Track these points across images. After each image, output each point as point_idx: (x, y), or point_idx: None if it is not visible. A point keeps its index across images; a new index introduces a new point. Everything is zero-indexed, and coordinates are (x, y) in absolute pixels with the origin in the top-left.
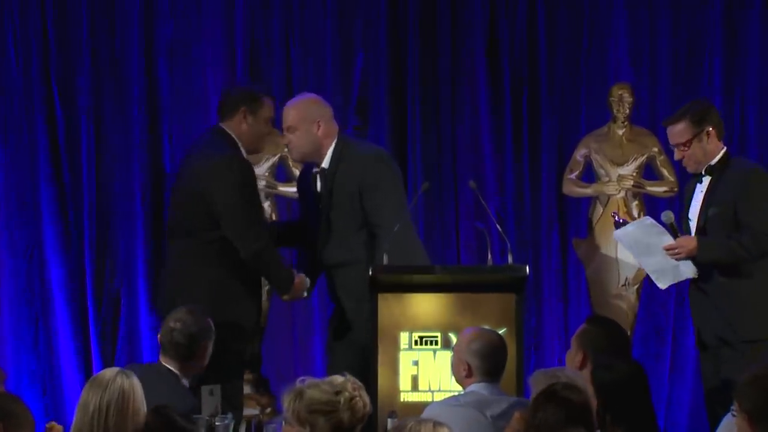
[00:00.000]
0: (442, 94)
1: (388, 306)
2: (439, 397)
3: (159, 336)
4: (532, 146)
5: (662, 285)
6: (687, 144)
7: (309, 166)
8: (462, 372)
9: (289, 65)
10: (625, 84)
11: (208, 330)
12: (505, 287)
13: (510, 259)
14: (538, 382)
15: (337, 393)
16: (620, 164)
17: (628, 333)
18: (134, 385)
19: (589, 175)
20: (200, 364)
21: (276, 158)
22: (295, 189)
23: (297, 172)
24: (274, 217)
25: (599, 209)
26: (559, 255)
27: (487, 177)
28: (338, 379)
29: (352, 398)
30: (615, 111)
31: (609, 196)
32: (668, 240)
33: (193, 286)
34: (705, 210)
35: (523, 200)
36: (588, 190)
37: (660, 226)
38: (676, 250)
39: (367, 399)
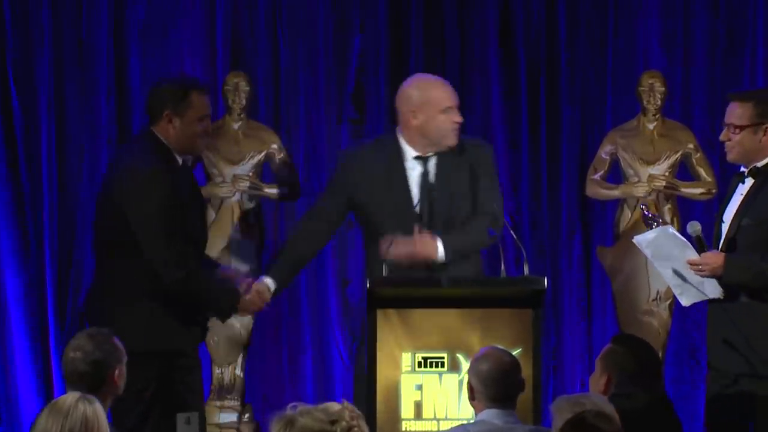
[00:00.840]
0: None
1: (389, 323)
2: (445, 426)
3: (62, 369)
4: (550, 142)
5: (685, 302)
6: (740, 129)
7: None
8: (470, 396)
9: (276, 50)
10: (656, 72)
11: (114, 352)
12: (520, 302)
13: (526, 270)
14: (561, 409)
15: (333, 422)
16: (651, 162)
17: (660, 354)
18: (98, 412)
19: (615, 174)
20: (114, 391)
21: (261, 156)
22: (283, 190)
23: (286, 172)
24: (259, 225)
25: (627, 213)
26: (581, 265)
27: (500, 176)
28: (334, 406)
29: (350, 428)
30: (645, 102)
31: (638, 199)
32: (692, 254)
33: (118, 314)
34: (740, 217)
35: (541, 203)
36: (615, 192)
37: (682, 237)
38: (700, 267)
39: (366, 429)
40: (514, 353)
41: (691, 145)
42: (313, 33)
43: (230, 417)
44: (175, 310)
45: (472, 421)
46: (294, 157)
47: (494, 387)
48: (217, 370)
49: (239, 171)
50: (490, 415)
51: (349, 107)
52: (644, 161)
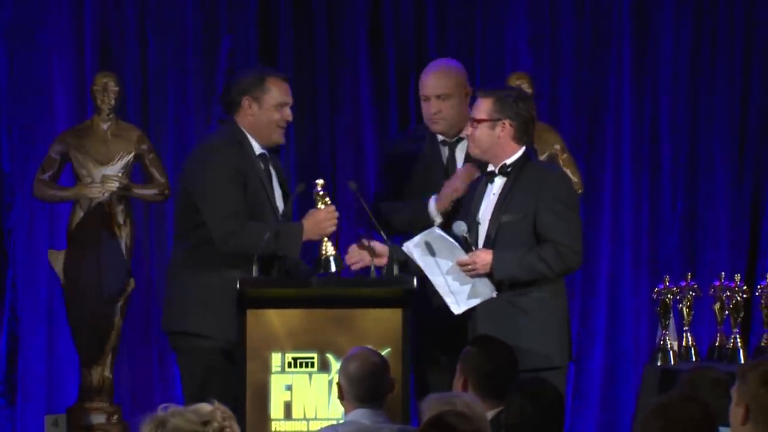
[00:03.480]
0: (319, 82)
1: (258, 323)
2: (315, 426)
3: None
4: None
5: (457, 310)
6: (478, 122)
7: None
8: (339, 396)
9: (145, 50)
10: (523, 74)
11: None
12: (390, 302)
13: (396, 270)
14: (430, 408)
15: (205, 423)
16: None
17: None
18: None
19: None
20: None
21: (131, 156)
22: (154, 191)
23: (155, 172)
24: (128, 226)
25: None
26: None
27: (369, 176)
28: (206, 407)
29: (221, 429)
30: None
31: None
32: (461, 255)
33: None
34: (498, 215)
35: None
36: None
37: (450, 238)
38: (470, 266)
39: (237, 430)
40: (383, 353)
41: (557, 146)
42: (182, 33)
43: (99, 418)
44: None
45: (341, 421)
46: (163, 158)
47: (363, 387)
48: (85, 371)
49: (108, 171)
50: (359, 414)
51: (218, 108)
52: None
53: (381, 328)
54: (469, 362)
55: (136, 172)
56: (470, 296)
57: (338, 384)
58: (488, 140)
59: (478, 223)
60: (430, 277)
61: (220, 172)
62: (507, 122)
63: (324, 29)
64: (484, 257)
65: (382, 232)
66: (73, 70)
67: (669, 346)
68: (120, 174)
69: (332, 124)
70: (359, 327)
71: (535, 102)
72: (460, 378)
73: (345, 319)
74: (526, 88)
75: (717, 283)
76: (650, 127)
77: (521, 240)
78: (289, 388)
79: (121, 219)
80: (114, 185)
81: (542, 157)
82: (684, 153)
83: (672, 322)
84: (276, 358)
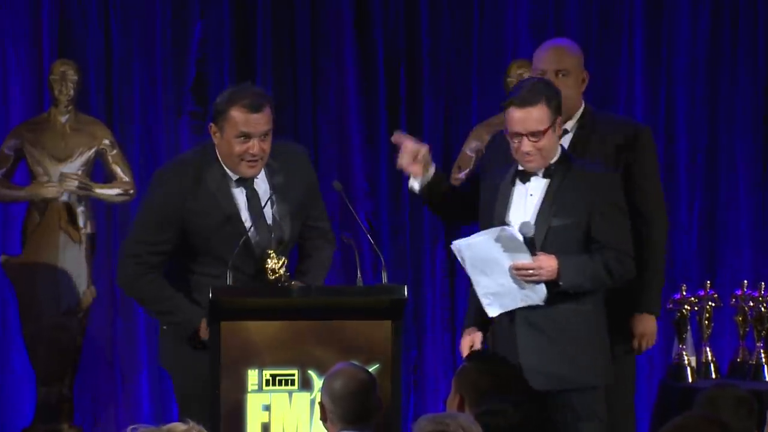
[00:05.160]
0: (300, 72)
1: (232, 336)
2: None
3: None
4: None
5: (493, 312)
6: (544, 133)
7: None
8: (322, 417)
9: (109, 36)
10: (526, 61)
11: None
12: (378, 313)
13: (384, 278)
14: (423, 430)
15: None
16: None
17: None
18: None
19: None
20: None
21: (91, 153)
22: (117, 191)
23: (119, 170)
24: (89, 230)
25: None
26: (445, 274)
27: (355, 176)
28: (179, 426)
29: None
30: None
31: None
32: (524, 257)
33: None
34: (546, 219)
35: (401, 205)
36: None
37: (520, 239)
38: (532, 271)
39: None
40: (370, 369)
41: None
42: (150, 18)
43: None
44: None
45: None
46: (128, 154)
47: (348, 407)
48: (42, 389)
49: (67, 169)
50: None
51: (189, 99)
52: None
53: (369, 341)
54: (465, 379)
55: (97, 170)
56: (513, 301)
57: (321, 404)
58: (553, 146)
59: (511, 226)
60: (471, 275)
61: (152, 203)
62: (558, 119)
63: (306, 15)
64: (550, 262)
65: (369, 236)
66: (29, 58)
67: (686, 362)
68: (80, 172)
69: (315, 119)
70: (344, 341)
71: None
72: (455, 397)
73: (329, 331)
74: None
75: (739, 293)
76: (665, 122)
77: (573, 246)
78: (267, 408)
79: (81, 222)
80: (73, 184)
81: None
82: (702, 150)
83: (690, 335)
84: (252, 375)
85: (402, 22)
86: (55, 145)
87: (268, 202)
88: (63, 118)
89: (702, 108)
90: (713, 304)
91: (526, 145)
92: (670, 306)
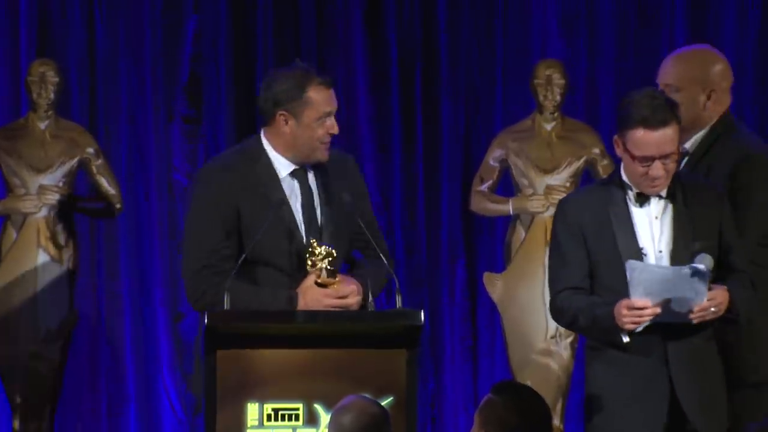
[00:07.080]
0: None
1: (231, 366)
2: None
3: None
4: (428, 145)
5: (627, 337)
6: (677, 153)
7: None
8: None
9: (92, 34)
10: (554, 61)
11: None
12: (391, 341)
13: (399, 302)
14: None
15: None
16: (549, 171)
17: (559, 404)
18: None
19: (506, 185)
20: None
21: (74, 162)
22: (103, 204)
23: (104, 182)
24: (71, 248)
25: (520, 233)
26: (465, 296)
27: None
28: None
29: None
30: (541, 98)
31: (533, 215)
32: (703, 294)
33: None
34: (684, 243)
35: (417, 220)
36: (505, 207)
37: (703, 276)
38: (714, 309)
39: None
40: (383, 403)
41: (596, 150)
42: (137, 13)
43: None
44: None
45: None
46: (115, 164)
47: None
48: (19, 424)
49: (46, 181)
50: None
51: (181, 102)
52: (540, 169)
53: (381, 372)
54: (490, 414)
55: (80, 182)
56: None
57: None
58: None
59: (644, 255)
60: (651, 299)
61: (202, 203)
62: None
63: (311, 8)
64: (723, 294)
65: (379, 252)
66: (6, 58)
67: None
68: (61, 184)
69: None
70: (354, 371)
71: (568, 96)
72: None
73: (337, 361)
74: (558, 78)
75: None
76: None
77: (716, 269)
78: None
79: (61, 239)
80: (53, 198)
81: (578, 163)
82: None
83: None
84: (253, 410)
85: (418, 16)
86: (34, 154)
87: (318, 200)
88: (42, 124)
89: (750, 112)
90: None
91: (658, 168)
92: None
